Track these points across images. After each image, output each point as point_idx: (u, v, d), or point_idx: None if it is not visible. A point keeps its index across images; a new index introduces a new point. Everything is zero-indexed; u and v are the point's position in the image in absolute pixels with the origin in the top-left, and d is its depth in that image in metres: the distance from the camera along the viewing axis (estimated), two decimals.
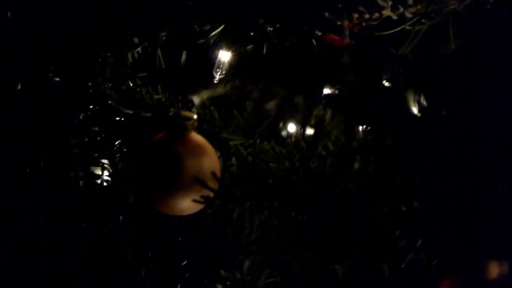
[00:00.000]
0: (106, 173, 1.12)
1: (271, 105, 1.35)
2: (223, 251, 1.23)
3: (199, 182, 0.94)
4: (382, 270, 0.99)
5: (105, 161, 1.12)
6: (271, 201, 0.91)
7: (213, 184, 0.95)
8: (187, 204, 0.97)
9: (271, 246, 1.19)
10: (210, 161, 0.97)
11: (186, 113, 0.98)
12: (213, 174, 0.95)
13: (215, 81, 1.12)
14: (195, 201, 0.93)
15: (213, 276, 1.21)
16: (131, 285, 1.14)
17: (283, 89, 1.32)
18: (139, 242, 1.12)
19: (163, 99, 1.10)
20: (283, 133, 1.51)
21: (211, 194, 0.95)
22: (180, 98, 1.02)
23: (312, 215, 0.93)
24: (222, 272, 1.26)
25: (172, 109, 0.98)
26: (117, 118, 1.08)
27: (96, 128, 1.11)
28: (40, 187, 1.11)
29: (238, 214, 1.19)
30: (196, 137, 0.99)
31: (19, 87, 1.08)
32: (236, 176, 1.01)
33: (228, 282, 1.23)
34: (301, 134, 1.35)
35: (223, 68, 1.10)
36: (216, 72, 1.10)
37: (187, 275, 1.16)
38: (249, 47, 1.07)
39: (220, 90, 1.22)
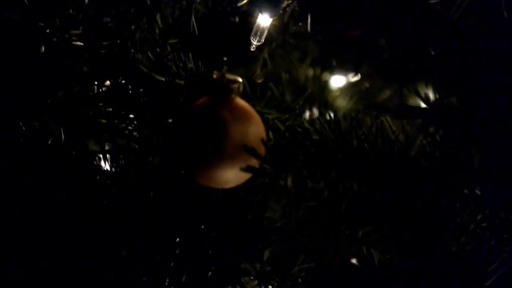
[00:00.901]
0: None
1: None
2: (242, 242, 1.16)
3: (246, 149, 0.86)
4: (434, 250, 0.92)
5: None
6: (327, 169, 0.83)
7: (261, 153, 0.87)
8: (231, 175, 0.89)
9: (304, 229, 1.12)
10: (257, 128, 0.90)
11: (231, 76, 0.91)
12: (262, 140, 0.87)
13: (252, 49, 1.04)
14: (244, 169, 0.85)
15: (233, 269, 1.13)
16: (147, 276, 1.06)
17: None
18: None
19: (197, 67, 1.02)
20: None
21: (257, 164, 0.87)
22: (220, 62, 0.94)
23: (370, 187, 0.86)
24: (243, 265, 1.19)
25: (216, 72, 0.90)
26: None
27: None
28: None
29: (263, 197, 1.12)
30: (242, 102, 0.91)
31: (43, 50, 1.00)
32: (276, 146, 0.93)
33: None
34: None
35: (262, 34, 1.02)
36: (254, 39, 1.02)
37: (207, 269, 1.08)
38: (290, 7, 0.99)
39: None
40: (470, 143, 0.87)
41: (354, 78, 1.59)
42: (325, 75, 1.59)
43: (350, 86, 1.61)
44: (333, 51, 1.41)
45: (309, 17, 0.96)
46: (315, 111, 1.48)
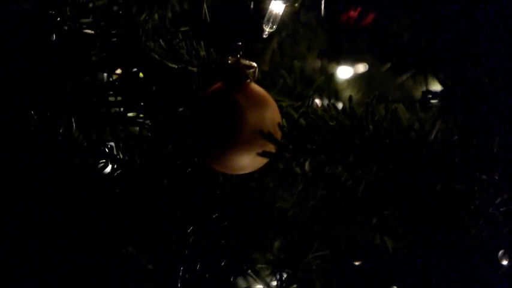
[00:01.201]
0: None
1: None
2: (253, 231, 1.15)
3: (263, 134, 0.85)
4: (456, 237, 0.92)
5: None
6: (346, 153, 0.83)
7: (278, 137, 0.87)
8: (247, 161, 0.88)
9: (318, 217, 1.12)
10: (273, 113, 0.89)
11: (247, 61, 0.90)
12: (279, 125, 0.86)
13: (264, 36, 1.03)
14: (260, 154, 0.84)
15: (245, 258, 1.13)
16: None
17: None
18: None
19: (210, 55, 1.01)
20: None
21: (273, 150, 0.87)
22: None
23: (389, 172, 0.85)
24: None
25: (231, 57, 0.90)
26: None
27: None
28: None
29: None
30: (257, 87, 0.90)
31: (54, 38, 0.99)
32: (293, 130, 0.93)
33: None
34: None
35: (275, 21, 1.01)
36: (267, 25, 1.01)
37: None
38: None
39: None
40: (489, 128, 0.87)
41: (361, 69, 1.58)
42: (332, 66, 1.58)
43: (357, 77, 1.60)
44: (342, 40, 1.40)
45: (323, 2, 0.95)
46: (324, 101, 1.47)
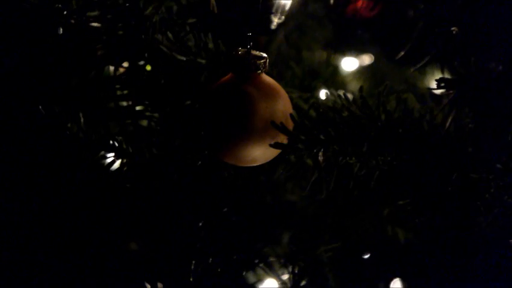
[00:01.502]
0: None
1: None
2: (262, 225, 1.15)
3: (274, 125, 0.84)
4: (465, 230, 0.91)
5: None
6: (359, 144, 0.82)
7: (290, 128, 0.86)
8: (259, 153, 0.87)
9: (329, 209, 1.11)
10: (284, 104, 0.88)
11: (257, 52, 0.89)
12: (291, 116, 0.85)
13: (273, 27, 1.02)
14: (273, 146, 0.83)
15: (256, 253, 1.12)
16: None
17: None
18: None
19: (219, 46, 1.00)
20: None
21: (286, 141, 0.86)
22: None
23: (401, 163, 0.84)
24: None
25: (241, 48, 0.89)
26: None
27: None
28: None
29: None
30: (268, 78, 0.89)
31: (61, 32, 0.98)
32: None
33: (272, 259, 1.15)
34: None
35: (283, 12, 1.00)
36: (275, 16, 1.00)
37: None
38: None
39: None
40: (503, 117, 0.86)
41: (367, 60, 1.57)
42: (337, 58, 1.57)
43: (363, 69, 1.59)
44: (349, 31, 1.39)
45: None
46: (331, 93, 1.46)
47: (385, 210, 1.06)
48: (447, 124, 0.82)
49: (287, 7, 1.00)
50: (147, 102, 1.01)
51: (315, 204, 1.12)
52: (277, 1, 1.00)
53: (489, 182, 0.87)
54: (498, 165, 0.89)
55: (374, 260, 1.13)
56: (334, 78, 1.54)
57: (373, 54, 1.61)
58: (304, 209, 1.17)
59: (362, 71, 1.60)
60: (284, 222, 1.19)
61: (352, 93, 1.14)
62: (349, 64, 1.59)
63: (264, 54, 0.89)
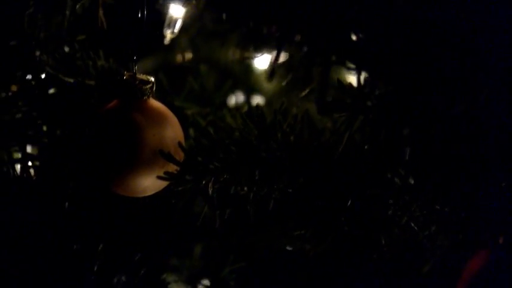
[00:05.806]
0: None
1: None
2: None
3: (163, 155, 0.81)
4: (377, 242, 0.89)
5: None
6: (250, 173, 0.78)
7: (179, 157, 0.82)
8: (149, 183, 0.83)
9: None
10: (174, 130, 0.84)
11: (143, 76, 0.85)
12: (179, 144, 0.81)
13: (166, 42, 0.98)
14: (161, 178, 0.79)
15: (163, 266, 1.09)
16: None
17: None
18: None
19: (109, 65, 0.96)
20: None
21: (176, 169, 0.82)
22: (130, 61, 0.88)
23: (297, 187, 0.81)
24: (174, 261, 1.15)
25: (126, 72, 0.84)
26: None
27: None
28: None
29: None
30: (156, 103, 0.85)
31: None
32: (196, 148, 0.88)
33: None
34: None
35: (175, 26, 0.95)
36: (167, 31, 0.96)
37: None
38: None
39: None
40: (401, 136, 0.83)
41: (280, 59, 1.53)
42: (249, 55, 1.53)
43: (278, 66, 1.55)
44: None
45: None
46: (241, 97, 1.42)
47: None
48: (340, 148, 0.79)
49: (179, 21, 0.95)
50: (36, 126, 0.96)
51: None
52: (168, 15, 0.95)
53: (387, 200, 0.85)
54: (396, 180, 0.87)
55: (283, 277, 1.11)
56: (246, 78, 1.51)
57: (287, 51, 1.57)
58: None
59: (277, 68, 1.57)
60: (192, 236, 1.16)
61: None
62: (262, 62, 1.55)
63: (151, 78, 0.85)
